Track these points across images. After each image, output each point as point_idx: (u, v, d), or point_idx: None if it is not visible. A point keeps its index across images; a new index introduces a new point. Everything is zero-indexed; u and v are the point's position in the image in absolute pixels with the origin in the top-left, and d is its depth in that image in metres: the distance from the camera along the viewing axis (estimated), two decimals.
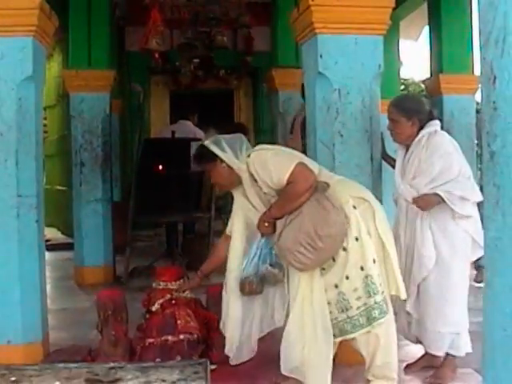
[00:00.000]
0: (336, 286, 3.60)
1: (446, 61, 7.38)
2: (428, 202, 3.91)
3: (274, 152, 3.83)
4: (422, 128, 4.06)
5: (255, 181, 3.77)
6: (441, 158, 3.93)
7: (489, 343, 1.56)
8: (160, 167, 7.60)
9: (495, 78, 1.48)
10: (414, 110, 4.09)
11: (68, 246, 9.15)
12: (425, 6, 8.16)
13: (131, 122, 10.12)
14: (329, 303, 3.62)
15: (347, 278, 3.57)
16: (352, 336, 3.66)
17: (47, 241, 7.51)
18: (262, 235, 3.83)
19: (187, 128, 8.54)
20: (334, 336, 3.64)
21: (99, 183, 7.31)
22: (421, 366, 4.21)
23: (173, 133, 7.90)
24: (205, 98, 11.50)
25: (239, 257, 4.09)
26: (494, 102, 1.50)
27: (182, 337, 4.34)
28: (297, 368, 3.74)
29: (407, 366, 4.23)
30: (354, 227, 3.56)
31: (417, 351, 4.36)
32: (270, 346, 4.80)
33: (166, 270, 4.79)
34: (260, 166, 3.71)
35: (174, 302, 4.48)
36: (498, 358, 1.52)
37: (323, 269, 3.61)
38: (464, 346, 4.01)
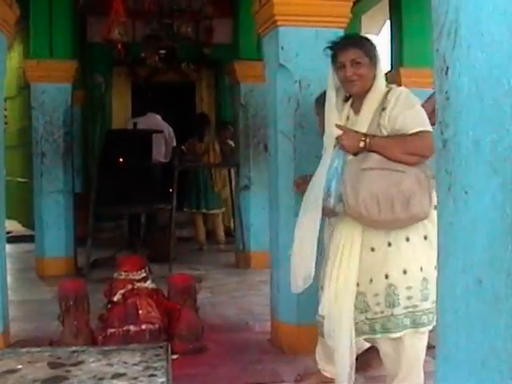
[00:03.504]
0: (386, 277, 3.31)
1: (407, 54, 7.47)
2: None
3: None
4: None
5: (382, 109, 3.29)
6: None
7: (441, 324, 1.62)
8: (121, 159, 7.60)
9: (447, 68, 1.53)
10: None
11: (29, 238, 9.08)
12: (386, 0, 8.24)
13: (93, 113, 10.05)
14: (376, 295, 3.32)
15: (405, 272, 3.27)
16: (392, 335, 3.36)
17: (8, 233, 7.44)
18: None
19: (155, 121, 8.54)
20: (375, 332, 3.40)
21: (60, 174, 7.27)
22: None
23: (134, 124, 7.90)
24: (166, 89, 11.50)
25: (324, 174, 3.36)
26: (446, 92, 1.55)
27: (143, 327, 4.36)
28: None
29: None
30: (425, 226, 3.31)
31: None
32: (229, 336, 4.89)
33: (128, 259, 4.80)
34: (404, 102, 3.25)
35: (135, 292, 4.50)
36: (449, 339, 1.57)
37: (372, 250, 3.32)
38: None
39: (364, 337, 3.45)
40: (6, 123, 9.08)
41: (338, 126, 3.30)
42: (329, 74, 3.46)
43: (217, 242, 9.06)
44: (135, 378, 1.49)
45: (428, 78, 6.86)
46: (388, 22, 10.06)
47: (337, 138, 3.29)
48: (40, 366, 1.57)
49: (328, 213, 3.32)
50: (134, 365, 1.56)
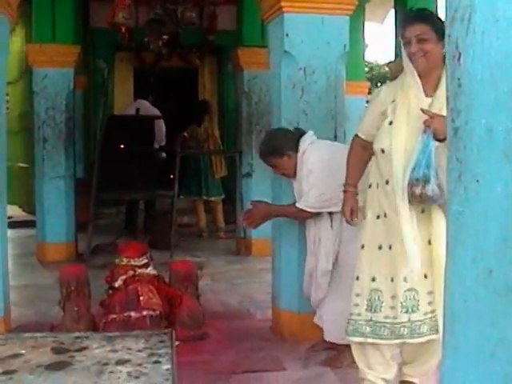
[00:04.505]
0: (405, 280, 3.14)
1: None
2: None
3: None
4: None
5: None
6: None
7: (449, 314, 1.60)
8: (122, 145, 7.59)
9: (460, 55, 1.50)
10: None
11: (30, 224, 9.09)
12: None
13: (95, 99, 10.01)
14: (430, 292, 3.16)
15: (425, 276, 3.13)
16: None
17: (9, 218, 7.42)
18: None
19: (143, 106, 8.50)
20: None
21: (62, 160, 7.24)
22: (324, 347, 4.21)
23: (137, 110, 7.88)
24: (169, 75, 11.47)
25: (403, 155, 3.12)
26: (458, 79, 1.52)
27: (144, 313, 4.35)
28: None
29: (311, 346, 4.27)
30: None
31: None
32: (230, 324, 4.88)
33: (129, 246, 4.79)
34: None
35: (136, 278, 4.49)
36: (457, 329, 1.55)
37: (429, 243, 3.12)
38: None
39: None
40: (7, 108, 9.04)
41: (425, 111, 3.04)
42: (403, 52, 3.22)
43: (217, 229, 9.04)
44: (139, 365, 1.48)
45: None
46: (392, 11, 10.04)
47: (425, 123, 3.03)
48: (43, 351, 1.56)
49: (421, 201, 2.99)
50: (138, 351, 1.54)
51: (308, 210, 3.97)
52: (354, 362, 3.96)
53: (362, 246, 3.29)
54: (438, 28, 3.09)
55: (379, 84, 25.98)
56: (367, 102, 11.98)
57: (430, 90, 3.14)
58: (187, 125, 8.81)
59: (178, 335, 4.26)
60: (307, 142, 4.05)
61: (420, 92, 3.10)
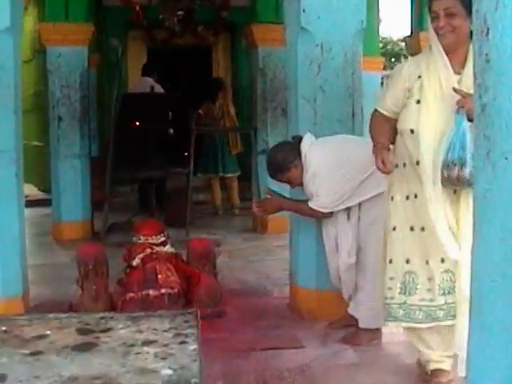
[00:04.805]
0: (442, 261, 3.13)
1: (427, 19, 7.34)
2: None
3: None
4: None
5: None
6: None
7: (477, 293, 1.58)
8: (137, 123, 7.57)
9: (488, 30, 1.48)
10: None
11: (45, 202, 9.10)
12: None
13: (108, 77, 10.00)
14: (430, 279, 3.15)
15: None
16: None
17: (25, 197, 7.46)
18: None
19: (148, 83, 8.45)
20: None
21: (77, 138, 7.23)
22: (343, 324, 4.22)
23: (152, 88, 7.85)
24: (182, 53, 11.41)
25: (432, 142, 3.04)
26: (486, 55, 1.50)
27: (163, 291, 4.37)
28: None
29: (330, 324, 4.27)
30: None
31: None
32: (248, 301, 4.89)
33: (146, 224, 4.80)
34: None
35: (154, 256, 4.49)
36: (485, 307, 1.54)
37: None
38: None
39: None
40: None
41: (458, 91, 2.94)
42: (429, 27, 3.15)
43: (232, 207, 9.04)
44: (166, 345, 1.47)
45: None
46: None
47: (458, 103, 2.93)
48: (68, 332, 1.56)
49: (458, 184, 2.90)
50: (164, 331, 1.54)
51: (320, 209, 3.95)
52: (373, 339, 4.00)
53: (394, 228, 3.23)
54: (467, 2, 2.89)
55: (393, 60, 25.81)
56: (382, 78, 11.92)
57: (457, 66, 3.06)
58: (202, 102, 8.79)
59: None
60: (307, 145, 4.02)
61: (448, 69, 3.02)
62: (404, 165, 3.18)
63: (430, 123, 3.01)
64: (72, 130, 7.19)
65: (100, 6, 9.81)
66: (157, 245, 4.53)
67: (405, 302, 3.18)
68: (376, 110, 3.35)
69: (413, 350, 3.72)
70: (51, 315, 1.64)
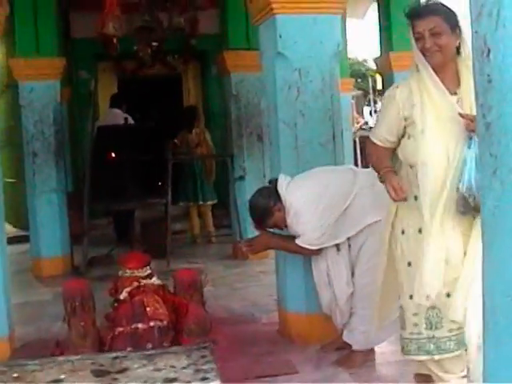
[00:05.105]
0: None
1: (396, 38, 7.44)
2: None
3: None
4: None
5: None
6: None
7: (490, 309, 1.58)
8: (113, 155, 7.54)
9: (489, 50, 1.50)
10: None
11: (21, 239, 9.02)
12: None
13: (80, 110, 9.96)
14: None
15: (448, 295, 3.02)
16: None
17: None
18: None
19: (119, 115, 8.41)
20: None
21: (53, 173, 7.19)
22: (335, 347, 4.21)
23: (125, 119, 7.83)
24: (153, 83, 11.41)
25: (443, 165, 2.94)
26: (488, 75, 1.51)
27: (152, 324, 4.30)
28: None
29: (322, 347, 4.26)
30: None
31: None
32: (237, 329, 4.85)
33: (132, 257, 4.73)
34: None
35: (142, 289, 4.44)
36: (500, 322, 1.54)
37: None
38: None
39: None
40: None
41: (465, 116, 2.86)
42: (412, 46, 3.05)
43: (208, 234, 9.01)
44: (188, 382, 1.45)
45: None
46: (372, 7, 10.06)
47: (467, 128, 2.83)
48: (84, 375, 1.52)
49: (476, 211, 2.72)
50: (183, 368, 1.51)
51: (307, 246, 3.95)
52: (367, 361, 3.99)
53: (409, 264, 3.09)
54: (451, 19, 2.98)
55: (359, 80, 26.08)
56: (352, 97, 12.01)
57: (451, 85, 2.99)
58: (176, 132, 8.78)
59: (185, 344, 4.27)
60: (284, 187, 4.01)
61: (443, 91, 2.94)
62: (416, 198, 3.03)
63: (438, 152, 2.91)
64: (47, 165, 7.15)
65: (68, 38, 9.80)
66: (143, 277, 4.47)
67: (433, 336, 3.07)
68: (371, 142, 3.23)
69: (407, 370, 3.73)
70: (62, 358, 1.60)
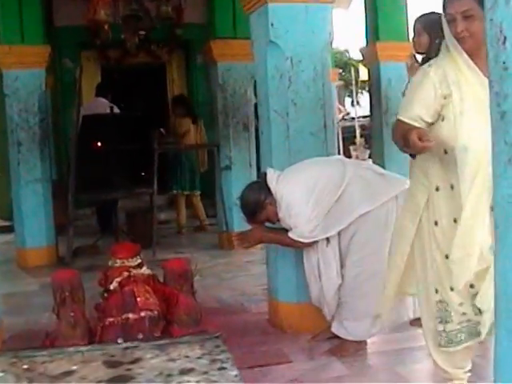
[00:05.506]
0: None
1: (382, 28, 7.45)
2: None
3: None
4: None
5: None
6: None
7: (503, 297, 1.58)
8: (99, 144, 7.48)
9: (505, 38, 1.49)
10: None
11: (4, 229, 8.95)
12: None
13: (63, 99, 9.88)
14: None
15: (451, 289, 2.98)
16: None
17: None
18: None
19: (105, 104, 8.36)
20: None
21: (38, 162, 7.12)
22: (327, 336, 4.21)
23: (111, 108, 7.76)
24: (137, 72, 11.33)
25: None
26: (503, 63, 1.50)
27: (142, 314, 4.27)
28: None
29: (313, 337, 4.26)
30: None
31: None
32: (227, 319, 4.84)
33: (122, 247, 4.70)
34: None
35: (132, 279, 4.41)
36: None
37: None
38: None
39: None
40: None
41: None
42: (445, 29, 2.87)
43: (201, 223, 9.00)
44: (205, 373, 1.43)
45: (404, 52, 6.91)
46: None
47: None
48: (96, 366, 1.50)
49: None
50: (198, 358, 1.50)
51: (300, 239, 3.93)
52: (359, 350, 4.00)
53: (446, 256, 2.95)
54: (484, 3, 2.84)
55: (341, 70, 26.05)
56: (336, 87, 11.99)
57: (485, 69, 2.63)
58: (160, 120, 8.75)
59: (176, 334, 4.25)
60: (274, 180, 3.99)
61: (479, 74, 2.79)
62: (452, 186, 2.90)
63: (478, 135, 2.70)
64: (32, 155, 7.08)
65: (52, 26, 9.69)
66: (134, 267, 4.43)
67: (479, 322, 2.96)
68: (399, 120, 2.97)
69: (400, 359, 3.76)
70: (71, 349, 1.58)
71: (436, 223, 2.98)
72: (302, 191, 3.89)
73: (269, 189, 3.98)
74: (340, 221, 3.90)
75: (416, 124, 2.87)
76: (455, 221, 2.89)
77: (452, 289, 2.95)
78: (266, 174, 4.07)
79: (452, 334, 3.02)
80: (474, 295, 2.90)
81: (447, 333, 3.03)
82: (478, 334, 2.97)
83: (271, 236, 4.19)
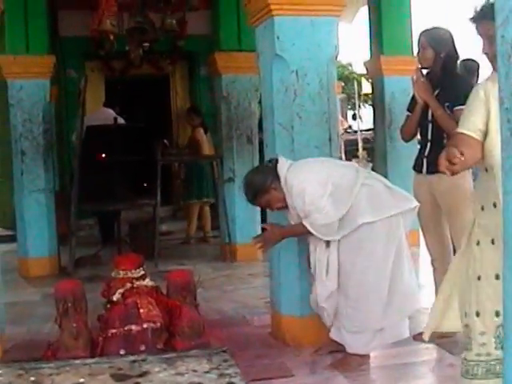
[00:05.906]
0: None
1: (387, 42, 7.48)
2: None
3: None
4: None
5: None
6: None
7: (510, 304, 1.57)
8: (103, 155, 7.49)
9: None
10: None
11: (6, 239, 8.94)
12: None
13: (67, 110, 9.90)
14: None
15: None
16: None
17: None
18: None
19: (109, 114, 8.37)
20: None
21: (41, 172, 7.13)
22: (329, 350, 4.20)
23: (115, 119, 7.78)
24: (140, 83, 11.37)
25: None
26: None
27: (145, 326, 4.26)
28: None
29: (316, 350, 4.24)
30: None
31: None
32: (229, 332, 4.83)
33: (126, 258, 4.69)
34: None
35: (135, 290, 4.40)
36: None
37: None
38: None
39: None
40: None
41: None
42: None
43: (205, 235, 9.01)
44: None
45: (408, 66, 6.96)
46: (361, 10, 10.08)
47: None
48: (104, 379, 1.50)
49: None
50: (206, 372, 1.49)
51: (313, 231, 3.87)
52: (362, 364, 3.98)
53: (479, 278, 2.83)
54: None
55: (343, 84, 26.09)
56: (340, 100, 12.00)
57: None
58: (162, 131, 8.76)
59: (178, 346, 4.23)
60: (285, 169, 3.98)
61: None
62: (494, 205, 2.77)
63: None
64: (36, 165, 7.09)
65: (56, 37, 9.73)
66: (137, 279, 4.43)
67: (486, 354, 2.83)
68: (460, 133, 2.86)
69: (403, 373, 3.74)
70: (78, 361, 1.57)
71: (478, 243, 2.87)
72: (315, 179, 3.88)
73: (277, 175, 3.97)
74: (342, 226, 3.88)
75: (472, 134, 2.80)
76: (493, 242, 2.78)
77: (477, 314, 2.82)
78: (277, 160, 4.06)
79: (470, 364, 2.88)
80: (498, 326, 2.76)
81: (467, 361, 2.90)
82: (497, 374, 2.79)
83: (289, 230, 4.13)
